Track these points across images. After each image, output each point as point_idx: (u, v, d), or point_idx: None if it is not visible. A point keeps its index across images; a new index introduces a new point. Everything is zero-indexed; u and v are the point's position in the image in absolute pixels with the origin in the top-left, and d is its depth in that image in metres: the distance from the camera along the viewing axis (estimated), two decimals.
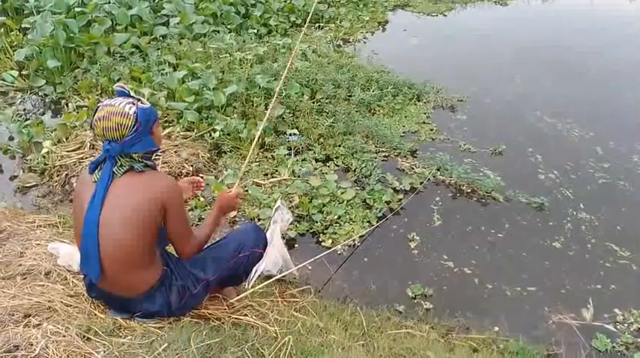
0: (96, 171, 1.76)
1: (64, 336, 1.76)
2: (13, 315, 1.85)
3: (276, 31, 6.21)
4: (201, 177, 3.45)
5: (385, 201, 3.35)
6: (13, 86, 4.70)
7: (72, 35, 4.84)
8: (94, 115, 1.74)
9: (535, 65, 5.82)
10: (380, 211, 3.28)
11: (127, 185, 1.75)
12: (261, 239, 2.19)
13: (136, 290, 1.87)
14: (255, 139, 2.86)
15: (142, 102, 1.79)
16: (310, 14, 4.23)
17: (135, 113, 1.73)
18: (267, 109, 4.05)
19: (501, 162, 3.90)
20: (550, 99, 4.94)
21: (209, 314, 2.10)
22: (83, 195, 1.78)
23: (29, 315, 1.89)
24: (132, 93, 1.82)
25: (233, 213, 3.16)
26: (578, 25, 7.39)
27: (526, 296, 2.73)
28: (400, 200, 3.40)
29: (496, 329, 2.53)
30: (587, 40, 6.70)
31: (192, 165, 3.54)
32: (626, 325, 2.55)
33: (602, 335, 2.48)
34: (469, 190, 3.56)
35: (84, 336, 1.78)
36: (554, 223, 3.28)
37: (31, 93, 4.65)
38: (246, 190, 3.36)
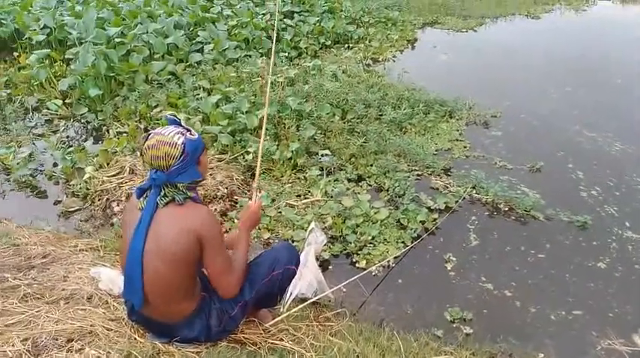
0: (142, 199, 1.81)
1: None
2: (57, 340, 1.90)
3: (307, 53, 6.31)
4: (236, 200, 3.50)
5: (420, 221, 3.29)
6: (57, 114, 4.93)
7: (112, 64, 5.06)
8: (144, 143, 1.78)
9: (570, 78, 5.68)
10: (414, 231, 3.23)
11: (168, 217, 1.78)
12: (294, 256, 2.19)
13: (176, 317, 1.90)
14: (261, 146, 2.84)
15: (190, 133, 1.82)
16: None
17: (183, 144, 1.76)
18: (298, 131, 4.09)
19: (540, 179, 3.79)
20: (588, 113, 4.80)
21: (245, 338, 2.10)
22: (130, 220, 1.83)
23: (72, 340, 1.94)
24: (182, 123, 1.86)
25: (267, 235, 3.18)
26: (612, 36, 7.18)
27: (572, 321, 2.61)
28: (435, 219, 3.34)
29: (541, 355, 2.41)
30: (622, 51, 6.50)
31: (226, 188, 3.59)
32: None
33: None
34: (507, 208, 3.46)
35: None
36: (599, 243, 3.13)
37: (73, 121, 4.87)
38: (280, 212, 3.38)
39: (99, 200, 3.55)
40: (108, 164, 3.85)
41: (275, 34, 4.61)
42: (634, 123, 4.60)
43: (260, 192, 2.59)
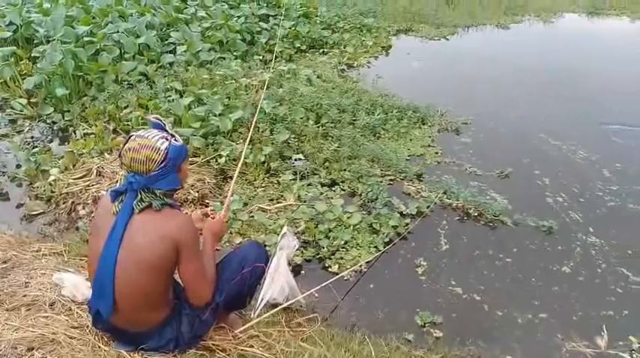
0: (116, 203, 1.74)
1: None
2: (16, 348, 1.83)
3: (281, 56, 6.30)
4: (207, 204, 3.45)
5: (392, 226, 3.32)
6: (21, 114, 4.77)
7: (80, 64, 4.93)
8: (125, 144, 1.73)
9: (537, 87, 5.86)
10: (387, 236, 3.25)
11: (143, 224, 1.72)
12: (262, 254, 2.17)
13: (146, 326, 1.85)
14: (240, 161, 2.87)
15: (175, 139, 1.77)
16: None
17: (166, 149, 1.71)
18: (272, 134, 4.07)
19: (508, 185, 3.88)
20: (553, 121, 4.95)
21: (214, 345, 2.07)
22: (102, 224, 1.76)
23: (32, 348, 1.87)
24: (167, 127, 1.80)
25: (239, 240, 3.15)
26: (579, 47, 7.45)
27: (538, 324, 2.67)
28: (407, 224, 3.37)
29: None
30: (587, 62, 6.75)
31: (198, 191, 3.54)
32: None
33: None
34: (476, 214, 3.53)
35: None
36: (564, 247, 3.23)
37: (39, 121, 4.71)
38: (252, 216, 3.35)
39: (64, 203, 3.44)
40: (74, 166, 3.74)
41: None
42: (597, 132, 4.77)
43: (228, 208, 2.58)
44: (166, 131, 1.79)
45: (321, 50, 6.81)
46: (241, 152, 3.83)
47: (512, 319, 2.69)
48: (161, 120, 1.81)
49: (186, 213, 2.13)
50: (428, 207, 3.53)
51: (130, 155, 1.70)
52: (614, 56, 7.06)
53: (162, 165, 1.71)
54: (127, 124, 4.33)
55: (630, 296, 2.84)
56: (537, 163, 4.19)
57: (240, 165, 2.86)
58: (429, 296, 2.84)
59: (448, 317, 2.70)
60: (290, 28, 6.83)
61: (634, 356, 2.47)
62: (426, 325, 2.64)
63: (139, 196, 1.73)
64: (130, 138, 1.74)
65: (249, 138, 3.19)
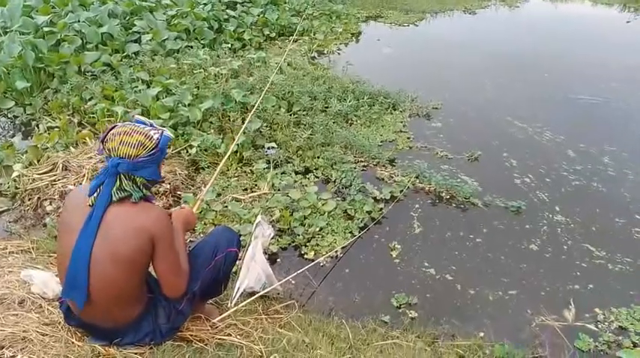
0: (93, 196, 1.70)
1: None
2: None
3: (251, 44, 6.22)
4: (180, 195, 3.41)
5: (366, 211, 3.35)
6: None
7: (41, 55, 4.74)
8: (110, 130, 1.70)
9: (504, 71, 5.98)
10: (362, 221, 3.28)
11: (119, 216, 1.68)
12: (233, 238, 2.16)
13: (121, 321, 1.82)
14: (228, 153, 2.86)
15: (166, 132, 1.79)
16: None
17: (158, 139, 1.73)
18: (243, 123, 4.04)
19: (478, 168, 3.96)
20: (518, 104, 5.07)
21: (192, 335, 2.06)
22: (72, 220, 1.70)
23: (3, 347, 1.82)
24: (154, 124, 1.80)
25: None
26: (543, 32, 7.62)
27: (508, 300, 2.76)
28: (381, 209, 3.41)
29: (481, 334, 2.54)
30: (551, 46, 6.91)
31: (169, 183, 3.48)
32: (606, 324, 2.59)
33: (584, 335, 2.51)
34: (448, 196, 3.60)
35: None
36: (531, 226, 3.33)
37: None
38: (226, 206, 3.32)
39: (29, 199, 3.33)
40: (38, 161, 3.61)
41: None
42: (562, 114, 4.91)
43: (202, 201, 2.58)
44: (154, 127, 1.79)
45: (291, 37, 6.75)
46: (211, 142, 3.80)
47: (483, 297, 2.78)
48: (146, 121, 1.80)
49: (160, 206, 2.09)
50: (401, 191, 3.58)
51: (121, 138, 1.68)
52: (579, 39, 7.26)
53: (151, 152, 1.71)
54: (93, 117, 4.21)
55: (595, 270, 2.97)
56: (505, 146, 4.30)
57: (226, 157, 2.83)
58: (404, 279, 2.89)
59: (423, 297, 2.76)
60: (259, 15, 6.74)
61: (599, 327, 2.58)
62: (402, 306, 2.69)
63: (119, 183, 1.69)
64: (114, 126, 1.72)
65: (242, 129, 3.11)
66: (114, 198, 1.69)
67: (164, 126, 1.86)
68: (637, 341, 2.47)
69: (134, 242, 1.67)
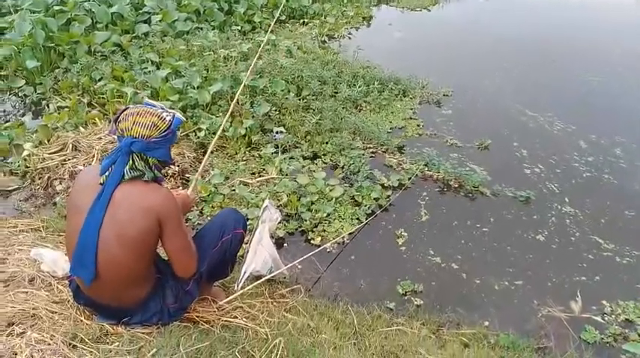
0: (105, 174, 1.70)
1: (49, 344, 1.72)
2: None
3: (261, 27, 6.16)
4: (188, 178, 3.42)
5: (374, 198, 3.34)
6: None
7: (51, 34, 4.73)
8: (124, 111, 1.72)
9: (515, 57, 5.89)
10: (369, 208, 3.28)
11: (127, 197, 1.69)
12: (240, 219, 2.17)
13: (129, 301, 1.84)
14: (216, 136, 2.87)
15: (176, 115, 1.81)
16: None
17: (170, 120, 1.75)
18: (252, 107, 4.02)
19: (487, 157, 3.93)
20: (529, 93, 5.01)
21: (198, 317, 2.08)
22: (81, 200, 1.71)
23: (13, 323, 1.85)
24: (164, 107, 1.82)
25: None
26: (556, 17, 7.47)
27: (514, 290, 2.76)
28: (389, 196, 3.40)
29: (486, 323, 2.54)
30: (563, 32, 6.78)
31: (178, 166, 3.49)
32: (613, 316, 2.59)
33: (590, 327, 2.51)
34: (456, 185, 3.57)
35: (69, 344, 1.74)
36: (539, 217, 3.31)
37: (10, 95, 4.54)
38: (234, 190, 3.33)
39: (39, 178, 3.35)
40: (48, 141, 3.62)
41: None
42: (573, 103, 4.83)
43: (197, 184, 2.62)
44: (166, 110, 1.81)
45: (302, 21, 6.68)
46: (220, 126, 3.78)
47: (489, 286, 2.77)
48: (154, 103, 1.81)
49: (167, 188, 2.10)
50: (409, 179, 3.56)
51: (134, 119, 1.69)
52: (589, 25, 7.11)
53: (164, 133, 1.73)
54: (102, 97, 4.21)
55: (603, 262, 2.95)
56: (516, 135, 4.25)
57: (215, 140, 2.84)
58: (410, 266, 2.89)
59: (428, 285, 2.76)
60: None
61: (606, 319, 2.58)
62: (407, 293, 2.70)
63: (131, 162, 1.70)
64: (127, 108, 1.74)
65: (230, 111, 3.14)
66: (127, 176, 1.69)
67: (173, 109, 1.87)
68: None
69: (141, 223, 1.68)
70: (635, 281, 2.81)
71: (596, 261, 2.96)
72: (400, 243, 3.05)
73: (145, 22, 5.43)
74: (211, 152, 3.72)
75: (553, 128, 4.37)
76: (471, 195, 3.50)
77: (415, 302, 2.65)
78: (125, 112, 1.71)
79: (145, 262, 1.78)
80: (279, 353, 1.91)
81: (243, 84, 3.57)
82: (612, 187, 3.63)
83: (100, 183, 1.70)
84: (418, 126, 4.33)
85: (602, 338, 2.46)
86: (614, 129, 4.34)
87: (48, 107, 4.24)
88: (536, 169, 3.80)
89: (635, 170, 3.82)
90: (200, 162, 3.66)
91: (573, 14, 7.61)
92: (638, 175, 3.76)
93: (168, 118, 1.75)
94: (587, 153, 4.01)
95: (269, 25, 6.22)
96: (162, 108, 1.79)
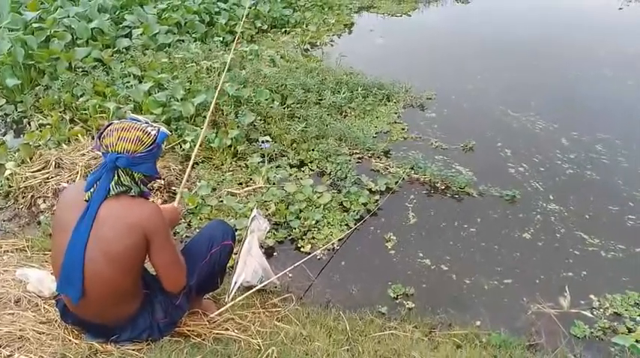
0: (90, 191, 1.69)
1: None
2: None
3: (242, 37, 6.16)
4: (174, 191, 3.39)
5: (362, 203, 3.36)
6: None
7: (31, 52, 4.69)
8: (108, 126, 1.71)
9: (496, 59, 5.96)
10: (357, 213, 3.29)
11: (112, 212, 1.67)
12: (228, 231, 2.16)
13: (117, 319, 1.82)
14: (198, 143, 2.88)
15: (162, 129, 1.80)
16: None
17: (155, 135, 1.74)
18: (237, 117, 4.02)
19: (472, 158, 3.97)
20: (511, 93, 5.07)
21: (189, 331, 2.06)
22: (67, 218, 1.69)
23: (0, 346, 1.81)
24: (148, 121, 1.81)
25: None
26: (535, 19, 7.60)
27: (503, 289, 2.78)
28: (377, 201, 3.42)
29: (478, 323, 2.56)
30: (543, 33, 6.90)
31: (164, 178, 3.46)
32: (602, 310, 2.62)
33: (579, 321, 2.54)
34: (443, 187, 3.61)
35: None
36: (525, 215, 3.34)
37: None
38: (221, 201, 3.31)
39: (23, 197, 3.31)
40: (31, 159, 3.58)
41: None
42: (554, 102, 4.91)
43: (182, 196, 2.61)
44: (150, 124, 1.80)
45: (284, 29, 6.71)
46: (205, 137, 3.78)
47: (479, 286, 2.80)
48: (138, 118, 1.81)
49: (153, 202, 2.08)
50: (396, 182, 3.58)
51: (119, 134, 1.68)
52: (569, 26, 7.24)
53: (149, 148, 1.72)
54: (85, 113, 4.17)
55: (588, 257, 2.99)
56: (499, 135, 4.30)
57: (195, 150, 2.85)
58: (400, 269, 2.90)
59: (419, 288, 2.78)
60: (250, 8, 6.67)
61: (595, 313, 2.61)
62: (399, 297, 2.71)
63: (117, 178, 1.69)
64: (111, 124, 1.73)
65: (206, 122, 3.14)
66: (112, 192, 1.68)
67: (156, 122, 1.87)
68: (632, 327, 2.50)
69: (127, 239, 1.67)
70: (622, 275, 2.85)
71: (583, 256, 3.00)
72: (390, 247, 3.07)
73: (125, 36, 5.41)
74: (196, 163, 3.72)
75: (535, 127, 4.44)
76: (457, 196, 3.53)
77: (407, 306, 2.66)
78: (109, 128, 1.71)
79: (132, 278, 1.76)
80: None
81: (217, 92, 3.53)
82: (595, 183, 3.69)
83: (85, 200, 1.68)
84: (403, 129, 4.36)
85: (592, 332, 2.49)
86: (596, 126, 4.42)
87: (29, 125, 4.19)
88: (521, 168, 3.85)
89: (616, 165, 3.89)
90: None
91: (556, 16, 7.74)
92: (620, 170, 3.83)
93: (153, 132, 1.74)
94: (570, 151, 4.07)
95: (251, 36, 6.26)
96: (147, 123, 1.79)
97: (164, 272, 1.81)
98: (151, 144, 1.72)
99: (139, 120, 1.78)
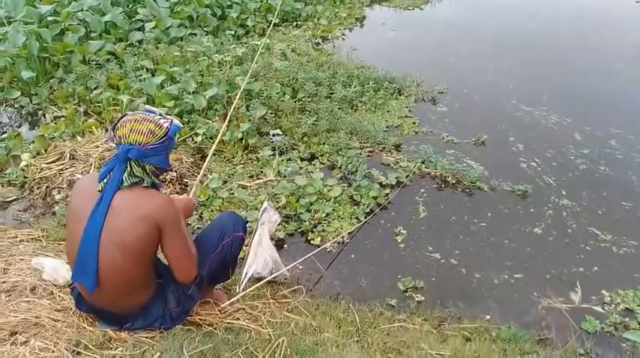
0: (103, 181, 1.72)
1: (53, 352, 1.73)
2: None
3: (254, 31, 6.18)
4: (186, 183, 3.43)
5: (372, 197, 3.36)
6: None
7: (45, 45, 4.74)
8: (121, 118, 1.74)
9: (509, 53, 5.92)
10: (367, 207, 3.29)
11: (125, 203, 1.70)
12: (239, 222, 2.17)
13: (131, 307, 1.86)
14: (217, 139, 2.89)
15: (174, 122, 1.81)
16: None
17: (168, 127, 1.76)
18: (248, 111, 4.03)
19: (484, 152, 3.95)
20: (523, 87, 5.03)
21: (201, 320, 2.09)
22: (81, 208, 1.72)
23: (16, 333, 1.86)
24: (163, 113, 1.83)
25: None
26: (549, 12, 7.50)
27: (514, 284, 2.77)
28: (387, 194, 3.42)
29: (487, 317, 2.55)
30: (557, 27, 6.81)
31: (176, 171, 3.50)
32: (613, 306, 2.60)
33: (590, 317, 2.52)
34: (454, 181, 3.59)
35: (73, 351, 1.75)
36: (536, 210, 3.32)
37: (6, 106, 4.54)
38: (232, 193, 3.34)
39: (38, 188, 3.36)
40: (46, 150, 3.63)
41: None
42: (567, 97, 4.85)
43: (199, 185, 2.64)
44: (163, 115, 1.81)
45: (295, 23, 6.70)
46: (217, 130, 3.80)
47: (489, 280, 2.79)
48: (153, 109, 1.82)
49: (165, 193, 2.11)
50: (407, 176, 3.58)
51: (132, 125, 1.70)
52: (584, 20, 7.14)
53: (161, 140, 1.73)
54: (98, 106, 4.22)
55: (600, 253, 2.97)
56: (512, 129, 4.27)
57: (215, 144, 2.87)
58: (410, 263, 2.91)
59: (429, 281, 2.78)
60: (262, 1, 6.68)
61: (606, 308, 2.59)
62: (408, 290, 2.72)
63: (129, 169, 1.71)
64: (125, 115, 1.75)
65: (228, 116, 3.17)
66: (125, 183, 1.71)
67: (170, 115, 1.88)
68: None
69: (140, 230, 1.69)
70: (634, 271, 2.83)
71: (594, 251, 2.98)
72: (399, 241, 3.07)
73: (138, 29, 5.45)
74: (210, 156, 3.75)
75: (548, 122, 4.40)
76: (468, 190, 3.51)
77: (416, 299, 2.66)
78: (123, 119, 1.73)
79: (145, 267, 1.79)
80: (283, 352, 1.92)
81: (241, 88, 3.58)
82: (608, 179, 3.65)
83: (99, 191, 1.71)
84: (414, 124, 4.35)
85: (603, 328, 2.47)
86: (609, 121, 4.36)
87: (44, 117, 4.25)
88: (533, 163, 3.82)
89: (630, 161, 3.84)
90: (198, 167, 3.68)
91: (571, 9, 7.63)
92: (633, 166, 3.78)
93: (165, 125, 1.75)
94: (583, 146, 4.03)
95: (263, 30, 6.26)
96: (161, 115, 1.80)
97: (176, 263, 1.84)
98: (162, 137, 1.74)
99: (153, 112, 1.79)
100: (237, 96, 3.37)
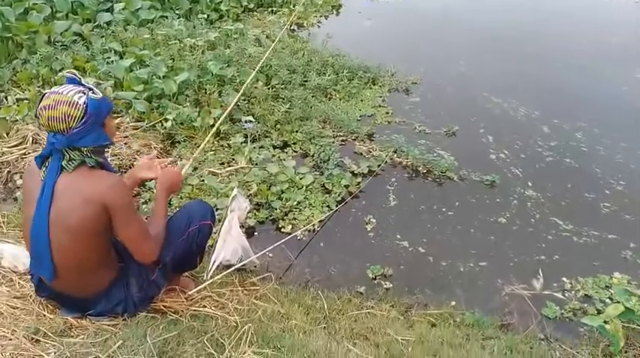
0: (43, 168, 1.66)
1: (11, 340, 1.69)
2: None
3: (228, 16, 6.06)
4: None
5: (344, 185, 3.37)
6: None
7: (8, 24, 4.54)
8: (39, 103, 1.62)
9: (482, 45, 5.96)
10: (339, 195, 3.30)
11: (69, 186, 1.64)
12: (208, 211, 2.13)
13: (92, 290, 1.82)
14: (214, 129, 2.85)
15: (93, 92, 1.67)
16: None
17: (85, 104, 1.62)
18: (220, 96, 3.97)
19: (455, 143, 4.00)
20: (496, 80, 5.09)
21: (166, 307, 2.06)
22: (31, 191, 1.68)
23: None
24: (83, 81, 1.70)
25: None
26: (527, 7, 7.60)
27: (479, 271, 2.83)
28: (359, 183, 3.43)
29: (453, 303, 2.61)
30: (534, 22, 6.91)
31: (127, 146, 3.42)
32: (573, 292, 2.69)
33: (551, 303, 2.61)
34: (425, 171, 3.63)
35: (32, 338, 1.71)
36: (502, 200, 3.39)
37: None
38: (202, 180, 3.29)
39: None
40: (7, 134, 3.50)
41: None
42: (537, 90, 4.95)
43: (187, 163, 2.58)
44: (83, 85, 1.69)
45: (270, 9, 6.61)
46: (187, 116, 3.73)
47: (455, 268, 2.85)
48: (76, 75, 1.70)
49: (119, 174, 2.04)
50: (379, 165, 3.60)
51: (47, 113, 1.60)
52: (552, 13, 7.26)
53: (82, 121, 1.62)
54: None
55: (562, 242, 3.06)
56: (482, 121, 4.33)
57: (219, 122, 2.83)
58: (379, 251, 2.94)
59: (397, 269, 2.82)
60: None
61: (566, 295, 2.68)
62: (377, 278, 2.75)
63: (67, 156, 1.65)
64: (44, 95, 1.64)
65: (233, 103, 3.08)
66: (67, 169, 1.65)
67: (100, 85, 1.70)
68: (601, 308, 2.57)
69: (84, 212, 1.64)
70: (593, 259, 2.93)
71: (556, 241, 3.07)
72: (369, 229, 3.09)
73: (106, 10, 5.27)
74: (177, 142, 3.68)
75: (517, 114, 4.48)
76: (438, 180, 3.56)
77: (385, 286, 2.70)
78: (39, 107, 1.62)
79: (98, 249, 1.74)
80: (249, 339, 1.92)
81: (255, 71, 3.47)
82: (573, 171, 3.75)
83: (41, 179, 1.66)
84: (387, 113, 4.37)
85: (562, 313, 2.56)
86: (576, 115, 4.47)
87: (6, 99, 4.08)
88: (502, 154, 3.89)
89: (595, 154, 3.96)
90: (167, 153, 3.61)
91: (542, 4, 7.75)
92: (598, 159, 3.89)
93: (81, 101, 1.61)
94: (550, 138, 4.12)
95: (237, 15, 6.15)
96: (82, 84, 1.68)
97: (130, 244, 1.78)
98: (82, 117, 1.61)
99: (74, 80, 1.67)
100: (249, 79, 3.25)
